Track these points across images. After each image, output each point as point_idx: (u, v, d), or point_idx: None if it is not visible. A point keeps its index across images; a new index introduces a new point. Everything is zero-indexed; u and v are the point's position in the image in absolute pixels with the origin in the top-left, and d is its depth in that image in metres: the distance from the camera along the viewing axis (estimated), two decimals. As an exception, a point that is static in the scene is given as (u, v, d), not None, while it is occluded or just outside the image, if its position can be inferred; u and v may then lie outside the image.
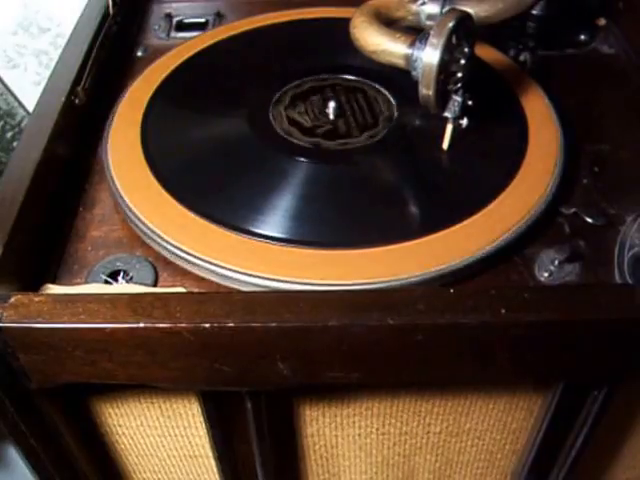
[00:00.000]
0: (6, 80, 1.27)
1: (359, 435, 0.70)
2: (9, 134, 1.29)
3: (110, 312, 0.53)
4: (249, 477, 0.73)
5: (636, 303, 0.55)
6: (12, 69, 1.27)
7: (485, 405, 0.67)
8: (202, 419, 0.66)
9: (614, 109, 0.83)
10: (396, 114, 0.77)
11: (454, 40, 0.64)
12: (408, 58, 0.66)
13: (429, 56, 0.63)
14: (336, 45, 0.80)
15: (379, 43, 0.69)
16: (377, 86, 0.80)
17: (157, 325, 0.53)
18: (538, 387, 0.66)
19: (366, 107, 0.78)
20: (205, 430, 0.67)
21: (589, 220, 0.68)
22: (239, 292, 0.61)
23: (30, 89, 1.28)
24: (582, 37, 0.93)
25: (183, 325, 0.52)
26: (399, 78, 0.69)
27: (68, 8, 1.16)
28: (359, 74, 0.82)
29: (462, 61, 0.66)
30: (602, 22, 0.95)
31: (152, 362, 0.55)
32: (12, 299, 0.54)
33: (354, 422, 0.69)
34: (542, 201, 0.67)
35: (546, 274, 0.64)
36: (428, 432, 0.70)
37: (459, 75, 0.66)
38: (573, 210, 0.69)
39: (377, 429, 0.70)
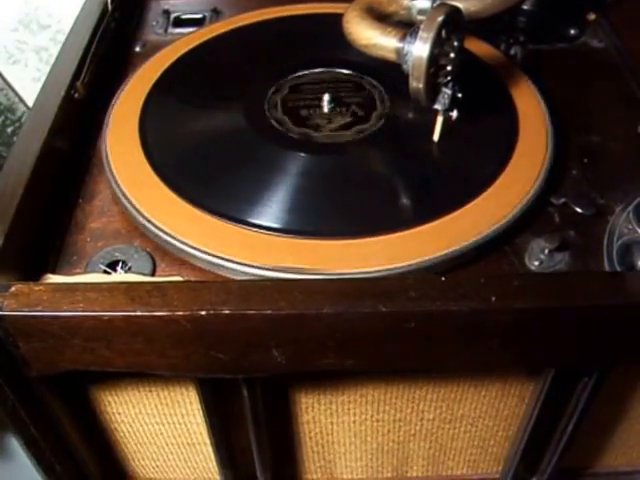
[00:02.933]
0: (7, 76, 1.27)
1: (354, 422, 0.71)
2: (9, 129, 1.30)
3: (108, 300, 0.54)
4: (246, 464, 0.74)
5: (624, 289, 0.56)
6: (13, 65, 1.27)
7: (477, 392, 0.68)
8: (199, 407, 0.67)
9: (604, 102, 0.83)
10: (389, 107, 0.78)
11: (444, 34, 0.65)
12: (399, 52, 0.67)
13: (419, 49, 0.64)
14: (330, 40, 0.80)
15: (371, 37, 0.70)
16: (371, 80, 0.81)
17: (154, 313, 0.53)
18: (530, 374, 0.66)
19: (359, 100, 0.79)
20: (202, 418, 0.68)
21: (579, 210, 0.69)
22: (235, 280, 0.62)
23: (30, 85, 1.28)
24: (572, 31, 0.93)
25: (180, 313, 0.53)
26: (392, 72, 0.70)
27: (68, 5, 1.16)
28: (353, 68, 0.83)
29: (452, 54, 0.66)
30: (592, 17, 0.95)
31: (150, 350, 0.56)
32: (12, 288, 0.55)
33: (349, 409, 0.70)
34: (532, 192, 0.68)
35: (537, 263, 0.65)
36: (422, 419, 0.71)
37: (449, 68, 0.67)
38: (563, 200, 0.70)
39: (372, 416, 0.71)
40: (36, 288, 0.55)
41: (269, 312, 0.53)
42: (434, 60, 0.65)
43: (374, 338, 0.56)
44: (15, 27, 1.23)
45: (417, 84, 0.66)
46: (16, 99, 1.29)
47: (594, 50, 0.92)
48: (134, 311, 0.53)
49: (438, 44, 0.65)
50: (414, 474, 0.79)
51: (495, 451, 0.77)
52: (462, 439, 0.75)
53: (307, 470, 0.78)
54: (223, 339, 0.55)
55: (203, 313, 0.53)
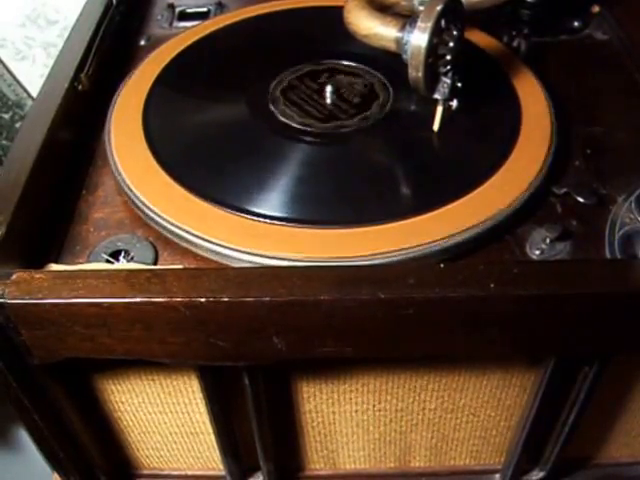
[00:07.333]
0: (15, 72, 1.28)
1: (356, 411, 0.71)
2: (18, 124, 1.30)
3: (108, 287, 0.54)
4: (249, 454, 0.74)
5: (625, 277, 0.56)
6: (21, 61, 1.28)
7: (479, 381, 0.68)
8: (202, 395, 0.67)
9: (607, 93, 0.83)
10: (391, 98, 0.78)
11: (443, 24, 0.65)
12: (398, 41, 0.67)
13: (417, 39, 0.65)
14: (333, 32, 0.81)
15: (371, 27, 0.70)
16: (372, 71, 0.81)
17: (154, 300, 0.54)
18: (531, 363, 0.66)
19: (362, 91, 0.79)
20: (205, 406, 0.68)
21: (581, 200, 0.69)
22: (234, 268, 0.62)
23: (38, 81, 1.27)
24: (576, 24, 0.93)
25: (179, 300, 0.54)
26: (393, 62, 0.70)
27: (75, 0, 1.17)
28: (355, 59, 0.83)
29: (451, 44, 0.67)
30: (596, 9, 0.95)
31: (149, 337, 0.56)
32: (14, 276, 0.55)
33: (351, 398, 0.70)
34: (534, 181, 0.68)
35: (537, 252, 0.65)
36: (424, 408, 0.71)
37: (448, 58, 0.67)
38: (565, 190, 0.70)
39: (373, 405, 0.71)
40: (37, 275, 0.56)
41: (268, 299, 0.54)
42: (433, 49, 0.66)
43: (373, 325, 0.56)
44: (23, 23, 1.23)
45: (416, 73, 0.66)
46: (24, 95, 1.30)
47: (598, 42, 0.92)
48: (134, 298, 0.54)
49: (437, 33, 0.65)
50: (417, 464, 0.79)
51: (497, 441, 0.77)
52: (464, 429, 0.75)
53: (310, 460, 0.79)
54: (222, 326, 0.56)
55: (202, 300, 0.54)
